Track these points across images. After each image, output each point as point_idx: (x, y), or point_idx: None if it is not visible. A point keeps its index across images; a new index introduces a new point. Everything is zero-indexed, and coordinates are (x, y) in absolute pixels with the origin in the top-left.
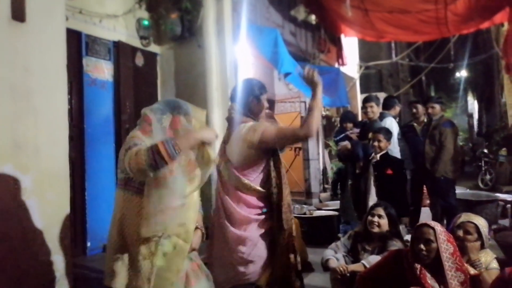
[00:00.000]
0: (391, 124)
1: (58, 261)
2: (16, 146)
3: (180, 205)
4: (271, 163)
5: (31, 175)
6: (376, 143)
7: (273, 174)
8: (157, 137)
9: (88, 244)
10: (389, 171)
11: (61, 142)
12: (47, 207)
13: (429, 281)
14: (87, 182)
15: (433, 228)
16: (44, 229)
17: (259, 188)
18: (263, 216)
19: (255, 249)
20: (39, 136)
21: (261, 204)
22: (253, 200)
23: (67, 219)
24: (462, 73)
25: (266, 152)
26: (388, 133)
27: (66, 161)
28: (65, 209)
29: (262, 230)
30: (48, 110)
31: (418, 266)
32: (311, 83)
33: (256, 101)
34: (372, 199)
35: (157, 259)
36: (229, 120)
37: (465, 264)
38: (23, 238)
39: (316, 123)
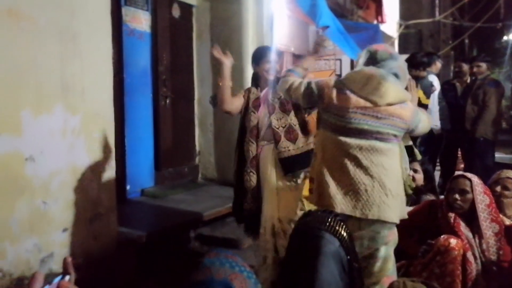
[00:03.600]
0: (432, 81)
1: (104, 197)
2: (64, 87)
3: None
4: None
5: (79, 116)
6: None
7: None
8: None
9: (128, 187)
10: None
11: (105, 84)
12: (94, 146)
13: (463, 230)
14: (126, 130)
15: (469, 180)
16: (92, 167)
17: None
18: None
19: None
20: (86, 78)
21: None
22: None
23: (112, 159)
24: (510, 37)
25: None
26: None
27: (111, 103)
28: (110, 149)
29: None
30: (94, 53)
31: (452, 215)
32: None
33: (256, 66)
34: None
35: None
36: None
37: (500, 216)
38: (73, 175)
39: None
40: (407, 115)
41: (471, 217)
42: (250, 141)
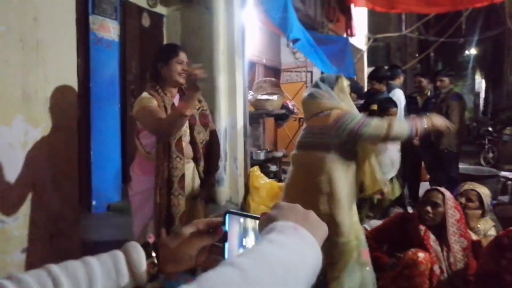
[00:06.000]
0: (400, 96)
1: (67, 213)
2: (26, 98)
3: None
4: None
5: (41, 127)
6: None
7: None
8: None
9: (93, 202)
10: None
11: (70, 94)
12: (56, 159)
13: (431, 243)
14: (92, 142)
15: (442, 193)
16: (53, 181)
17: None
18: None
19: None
20: (48, 88)
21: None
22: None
23: (75, 172)
24: (471, 51)
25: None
26: (392, 103)
27: (75, 114)
28: (73, 162)
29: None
30: (57, 63)
31: (423, 228)
32: (192, 85)
33: (164, 65)
34: None
35: None
36: None
37: (469, 231)
38: (34, 190)
39: (177, 125)
40: (327, 121)
41: (441, 231)
42: (178, 156)
